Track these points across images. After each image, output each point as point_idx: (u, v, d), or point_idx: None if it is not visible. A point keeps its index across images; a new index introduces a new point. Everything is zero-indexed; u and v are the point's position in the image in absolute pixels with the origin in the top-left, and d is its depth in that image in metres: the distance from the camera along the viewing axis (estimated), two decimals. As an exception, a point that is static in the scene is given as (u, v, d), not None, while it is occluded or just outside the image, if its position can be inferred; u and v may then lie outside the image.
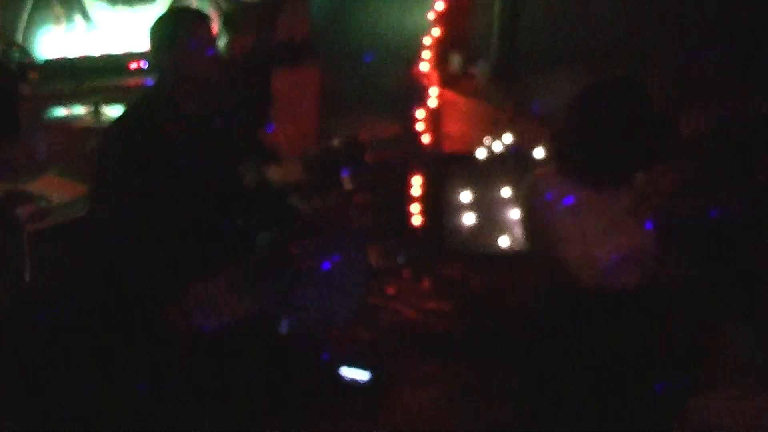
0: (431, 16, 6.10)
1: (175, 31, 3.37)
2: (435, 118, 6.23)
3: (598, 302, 3.23)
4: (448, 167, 5.27)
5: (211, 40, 3.46)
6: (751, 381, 2.07)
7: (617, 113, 3.12)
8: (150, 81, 4.50)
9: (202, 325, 3.43)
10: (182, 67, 3.35)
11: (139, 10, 6.04)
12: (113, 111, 5.23)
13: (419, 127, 6.15)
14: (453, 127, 6.11)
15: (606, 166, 3.17)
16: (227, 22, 5.53)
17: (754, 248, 3.76)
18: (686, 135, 3.77)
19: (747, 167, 3.50)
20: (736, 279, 3.72)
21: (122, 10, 5.90)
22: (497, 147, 4.95)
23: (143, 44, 5.84)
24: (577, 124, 3.24)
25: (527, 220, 3.31)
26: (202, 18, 3.51)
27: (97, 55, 5.95)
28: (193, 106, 3.42)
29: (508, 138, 4.92)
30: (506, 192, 4.88)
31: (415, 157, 5.93)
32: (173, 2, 6.12)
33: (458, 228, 4.72)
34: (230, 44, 5.48)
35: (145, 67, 5.84)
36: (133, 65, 5.98)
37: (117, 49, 5.99)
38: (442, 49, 6.16)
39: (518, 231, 4.67)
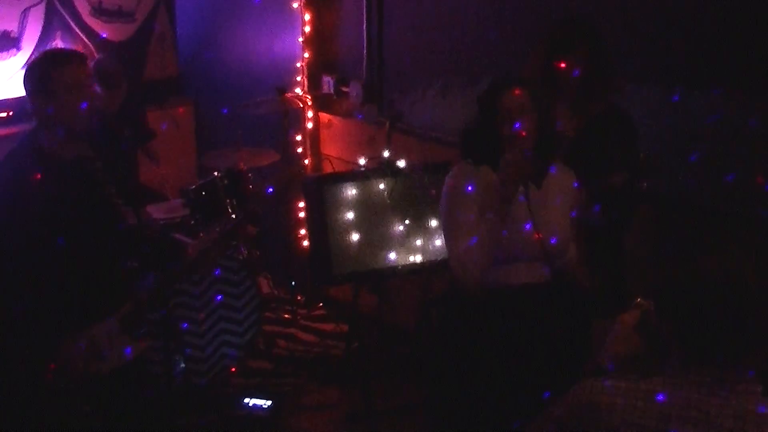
0: (300, 40, 6.15)
1: (52, 73, 3.27)
2: (313, 141, 6.28)
3: (485, 303, 3.37)
4: (330, 188, 5.30)
5: (89, 80, 3.36)
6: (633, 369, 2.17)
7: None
8: (23, 127, 4.39)
9: (100, 369, 3.40)
10: (60, 111, 3.27)
11: (4, 57, 5.93)
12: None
13: (298, 150, 6.19)
14: (331, 148, 6.17)
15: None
16: (104, 78, 5.43)
17: (613, 246, 3.92)
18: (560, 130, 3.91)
19: (604, 168, 3.64)
20: (599, 277, 3.87)
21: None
22: (376, 163, 5.00)
23: (10, 91, 5.76)
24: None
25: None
26: (79, 59, 3.38)
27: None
28: (67, 150, 3.37)
29: (386, 154, 4.98)
30: (388, 206, 4.93)
31: (297, 181, 5.96)
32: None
33: (346, 247, 4.75)
34: (106, 96, 5.40)
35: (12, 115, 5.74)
36: (2, 114, 5.86)
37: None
38: (314, 71, 6.21)
39: (403, 244, 4.75)
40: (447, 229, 3.46)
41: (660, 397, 2.00)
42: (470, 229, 3.31)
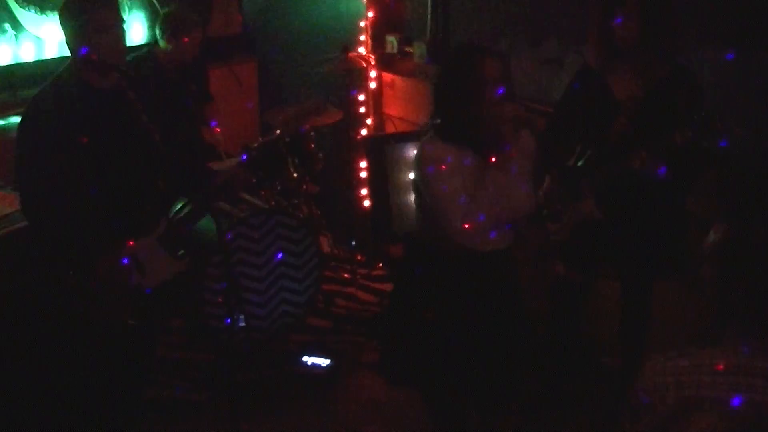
0: (364, -1, 6.13)
1: (77, 12, 3.47)
2: (376, 101, 6.27)
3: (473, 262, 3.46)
4: (392, 148, 5.29)
5: (115, 23, 3.52)
6: (683, 339, 2.14)
7: None
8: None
9: (142, 284, 3.54)
10: (93, 49, 3.44)
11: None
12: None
13: (361, 110, 6.19)
14: (394, 108, 6.14)
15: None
16: (175, 27, 5.40)
17: (675, 207, 3.87)
18: (619, 96, 3.85)
19: (666, 127, 3.60)
20: (661, 238, 3.85)
21: (51, 15, 5.82)
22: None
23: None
24: None
25: (418, 183, 3.47)
26: (104, 1, 3.56)
27: (29, 61, 5.86)
28: (102, 81, 3.54)
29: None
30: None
31: (360, 140, 5.96)
32: None
33: (407, 206, 4.75)
34: (176, 46, 5.38)
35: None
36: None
37: (49, 54, 5.91)
38: (378, 31, 6.18)
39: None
40: (442, 201, 3.33)
41: (723, 369, 1.97)
42: (468, 199, 3.30)
